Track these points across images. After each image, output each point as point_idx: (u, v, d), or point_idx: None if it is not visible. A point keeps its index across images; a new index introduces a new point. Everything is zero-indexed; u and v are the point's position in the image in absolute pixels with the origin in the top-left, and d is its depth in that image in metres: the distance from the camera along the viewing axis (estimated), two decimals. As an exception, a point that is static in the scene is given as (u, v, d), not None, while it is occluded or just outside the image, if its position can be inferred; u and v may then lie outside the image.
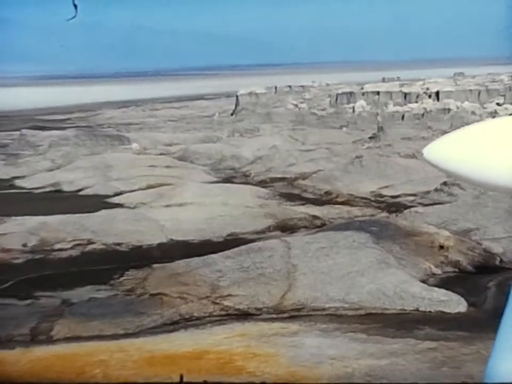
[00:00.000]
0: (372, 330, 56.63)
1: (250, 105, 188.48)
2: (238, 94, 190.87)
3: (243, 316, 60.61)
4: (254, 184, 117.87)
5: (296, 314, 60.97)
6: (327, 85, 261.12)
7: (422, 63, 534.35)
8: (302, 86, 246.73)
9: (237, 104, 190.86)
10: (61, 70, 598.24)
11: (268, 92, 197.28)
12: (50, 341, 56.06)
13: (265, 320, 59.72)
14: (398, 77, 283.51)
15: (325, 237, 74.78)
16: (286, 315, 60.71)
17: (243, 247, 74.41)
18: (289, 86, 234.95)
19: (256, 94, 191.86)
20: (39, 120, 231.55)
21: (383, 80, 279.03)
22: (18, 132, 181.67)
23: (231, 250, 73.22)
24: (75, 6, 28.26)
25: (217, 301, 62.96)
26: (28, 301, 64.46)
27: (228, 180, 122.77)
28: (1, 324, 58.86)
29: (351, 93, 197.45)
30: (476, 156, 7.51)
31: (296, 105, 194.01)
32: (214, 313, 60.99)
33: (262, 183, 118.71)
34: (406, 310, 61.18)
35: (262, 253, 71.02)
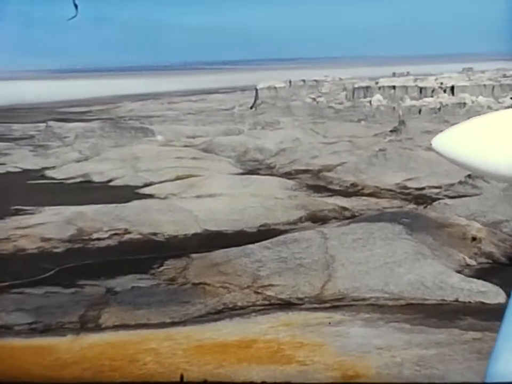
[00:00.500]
0: (414, 320, 56.04)
1: (269, 99, 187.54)
2: (258, 87, 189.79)
3: (285, 305, 60.08)
4: (279, 176, 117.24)
5: (338, 304, 60.39)
6: (340, 79, 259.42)
7: (430, 58, 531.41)
8: (315, 80, 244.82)
9: (256, 98, 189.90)
10: (77, 64, 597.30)
11: (286, 85, 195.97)
12: (99, 328, 55.68)
13: (308, 309, 59.18)
14: (407, 72, 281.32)
15: (360, 228, 74.06)
16: (327, 305, 60.14)
17: (280, 237, 73.86)
18: (303, 80, 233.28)
19: (275, 87, 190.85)
20: (61, 113, 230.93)
21: (394, 74, 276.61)
22: (43, 124, 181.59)
23: (269, 240, 72.63)
24: (75, 6, 28.53)
25: (259, 291, 62.43)
26: (72, 289, 64.05)
27: (253, 172, 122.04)
28: (49, 312, 58.49)
29: (367, 87, 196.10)
30: (483, 146, 7.86)
31: (314, 99, 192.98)
32: (257, 303, 60.46)
33: (287, 175, 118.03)
34: (446, 301, 60.55)
35: (299, 244, 70.42)
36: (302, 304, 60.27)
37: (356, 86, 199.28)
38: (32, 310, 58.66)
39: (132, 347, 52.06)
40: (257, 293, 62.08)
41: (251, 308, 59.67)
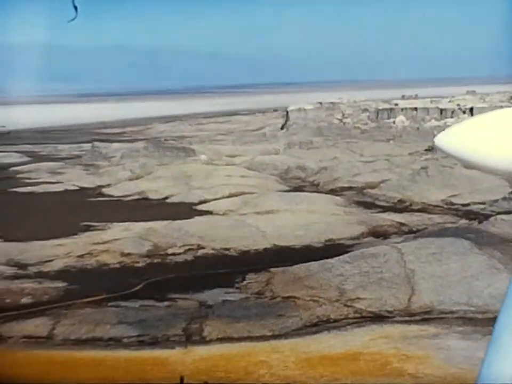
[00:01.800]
0: (508, 333, 54.20)
1: (300, 120, 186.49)
2: (288, 109, 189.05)
3: (377, 318, 58.36)
4: (325, 193, 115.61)
5: (428, 317, 58.60)
6: (355, 101, 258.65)
7: (433, 81, 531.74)
8: (331, 103, 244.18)
9: (287, 119, 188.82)
10: (101, 88, 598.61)
11: (314, 107, 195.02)
12: (204, 341, 53.98)
13: (400, 322, 57.44)
14: (416, 94, 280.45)
15: (430, 243, 72.31)
16: (417, 317, 58.38)
17: (357, 252, 72.24)
18: (320, 103, 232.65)
19: (305, 109, 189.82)
20: (97, 134, 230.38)
21: (403, 97, 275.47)
22: (86, 144, 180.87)
23: (347, 255, 71.02)
24: (75, 8, 27.59)
25: (349, 304, 60.71)
26: (166, 303, 62.34)
27: (298, 189, 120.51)
28: (152, 325, 56.83)
29: (391, 109, 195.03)
30: (485, 142, 7.74)
31: (340, 120, 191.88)
32: (349, 316, 58.73)
33: (332, 192, 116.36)
34: (532, 314, 58.66)
35: (377, 258, 68.71)
36: (392, 317, 58.51)
37: (380, 107, 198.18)
38: (135, 323, 57.01)
39: (242, 359, 50.35)
40: (347, 306, 60.34)
41: (344, 320, 57.95)
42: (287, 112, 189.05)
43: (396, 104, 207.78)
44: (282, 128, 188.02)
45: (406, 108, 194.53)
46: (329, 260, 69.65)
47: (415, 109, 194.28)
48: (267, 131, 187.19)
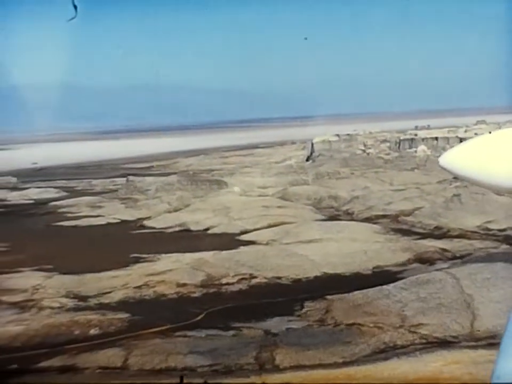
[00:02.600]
0: None
1: (325, 151, 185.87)
2: (313, 141, 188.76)
3: (443, 343, 56.77)
4: (360, 221, 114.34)
5: (493, 341, 56.91)
6: (370, 133, 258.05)
7: (442, 112, 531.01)
8: (348, 135, 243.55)
9: (312, 151, 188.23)
10: (123, 126, 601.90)
11: (338, 139, 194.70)
12: (278, 369, 52.56)
13: (467, 347, 55.85)
14: (428, 125, 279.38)
15: (483, 268, 70.89)
16: (484, 342, 56.73)
17: (412, 278, 70.83)
18: (337, 135, 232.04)
19: (329, 141, 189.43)
20: (126, 169, 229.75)
21: (416, 127, 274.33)
22: (118, 178, 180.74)
23: (401, 281, 69.65)
24: (75, 7, 27.58)
25: (412, 330, 59.22)
26: (231, 332, 61.05)
27: (334, 218, 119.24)
28: (221, 354, 55.46)
29: (412, 139, 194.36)
30: (487, 161, 7.78)
31: (363, 151, 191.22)
32: (416, 341, 57.20)
33: (368, 220, 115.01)
34: None
35: (433, 284, 67.32)
36: (459, 342, 56.94)
37: (402, 138, 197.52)
38: (205, 352, 55.70)
39: (322, 388, 48.95)
40: (412, 332, 58.84)
41: (411, 346, 56.43)
42: (312, 144, 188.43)
43: (416, 135, 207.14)
44: (307, 160, 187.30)
45: (426, 138, 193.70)
46: (385, 287, 68.32)
47: (436, 138, 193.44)
48: (293, 163, 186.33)
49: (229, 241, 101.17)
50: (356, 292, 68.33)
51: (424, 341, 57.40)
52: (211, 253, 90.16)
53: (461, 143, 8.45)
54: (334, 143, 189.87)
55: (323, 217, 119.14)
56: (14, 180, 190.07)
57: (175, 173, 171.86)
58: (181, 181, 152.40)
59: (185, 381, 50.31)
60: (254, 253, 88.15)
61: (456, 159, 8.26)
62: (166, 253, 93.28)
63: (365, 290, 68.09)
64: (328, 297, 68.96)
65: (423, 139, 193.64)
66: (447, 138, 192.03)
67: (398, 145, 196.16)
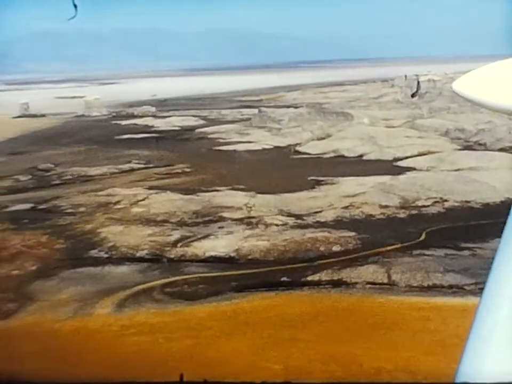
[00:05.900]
0: None
1: (431, 89, 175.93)
2: (419, 79, 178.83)
3: None
4: (496, 151, 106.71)
5: None
6: (446, 73, 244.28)
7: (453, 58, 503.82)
8: (416, 75, 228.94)
9: (418, 88, 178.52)
10: (213, 64, 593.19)
11: (443, 78, 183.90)
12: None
13: None
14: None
15: None
16: None
17: None
18: (416, 75, 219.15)
19: (434, 80, 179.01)
20: (240, 101, 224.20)
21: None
22: (246, 109, 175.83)
23: None
24: (75, 6, 26.07)
25: None
26: (466, 252, 55.98)
27: (468, 148, 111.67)
28: (475, 273, 50.42)
29: None
30: (499, 87, 7.26)
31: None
32: None
33: (503, 151, 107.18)
34: None
35: None
36: None
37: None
38: (461, 271, 50.97)
39: None
40: None
41: None
42: (418, 81, 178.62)
43: None
44: (412, 96, 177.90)
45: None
46: None
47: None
48: (400, 98, 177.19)
49: (390, 167, 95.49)
50: None
51: None
52: (387, 177, 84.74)
53: (477, 68, 7.71)
54: (437, 81, 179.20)
55: (460, 147, 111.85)
56: (152, 109, 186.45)
57: (303, 105, 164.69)
58: (310, 113, 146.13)
59: (184, 379, 45.34)
60: (430, 178, 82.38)
61: (469, 84, 7.71)
62: (341, 176, 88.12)
63: None
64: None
65: None
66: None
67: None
